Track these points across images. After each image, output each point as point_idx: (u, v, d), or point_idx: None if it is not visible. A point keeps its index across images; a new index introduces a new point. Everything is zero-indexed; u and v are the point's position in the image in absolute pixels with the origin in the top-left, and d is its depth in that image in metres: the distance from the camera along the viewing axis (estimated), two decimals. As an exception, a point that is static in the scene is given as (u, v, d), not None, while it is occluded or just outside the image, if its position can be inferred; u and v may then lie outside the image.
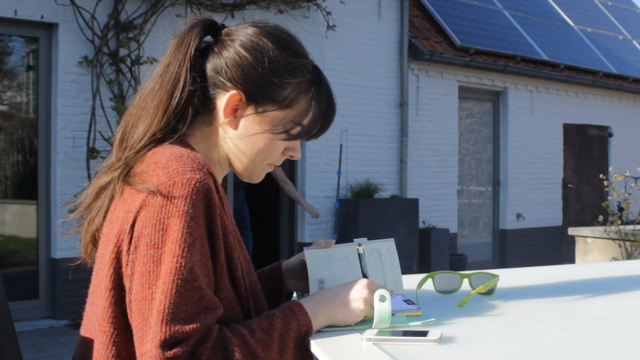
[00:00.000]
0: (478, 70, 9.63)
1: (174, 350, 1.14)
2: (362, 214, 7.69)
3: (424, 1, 9.76)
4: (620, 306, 1.56)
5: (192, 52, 1.35)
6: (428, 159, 9.15)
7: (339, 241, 1.53)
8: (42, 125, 6.30)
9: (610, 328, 1.36)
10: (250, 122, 1.37)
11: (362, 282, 1.37)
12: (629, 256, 5.85)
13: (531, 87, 10.47)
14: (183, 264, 1.17)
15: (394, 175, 8.73)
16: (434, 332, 1.24)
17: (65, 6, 6.24)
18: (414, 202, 8.28)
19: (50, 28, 6.33)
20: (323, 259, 1.51)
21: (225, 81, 1.36)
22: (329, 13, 7.91)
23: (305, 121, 1.40)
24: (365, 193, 8.00)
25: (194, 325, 1.16)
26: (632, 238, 5.84)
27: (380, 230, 7.77)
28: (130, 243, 1.23)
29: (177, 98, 1.34)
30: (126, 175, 1.31)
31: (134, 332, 1.22)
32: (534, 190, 10.56)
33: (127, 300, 1.24)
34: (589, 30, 12.32)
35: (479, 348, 1.21)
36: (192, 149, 1.35)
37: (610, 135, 11.75)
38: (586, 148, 11.39)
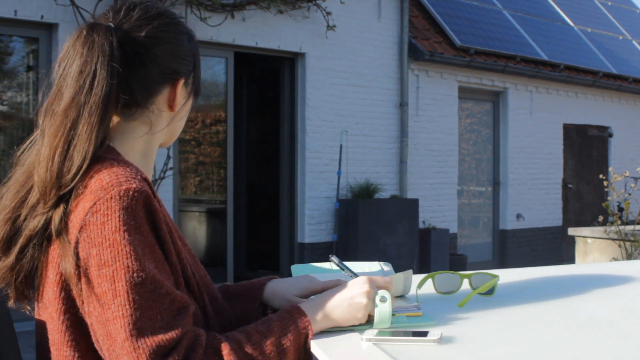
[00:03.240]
0: (478, 71, 9.63)
1: None
2: (362, 214, 7.69)
3: (424, 1, 9.76)
4: (621, 306, 1.56)
5: (117, 58, 1.26)
6: (428, 159, 9.15)
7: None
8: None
9: (611, 328, 1.36)
10: (183, 98, 1.40)
11: (362, 278, 1.33)
12: (629, 256, 5.85)
13: (531, 87, 10.47)
14: (144, 276, 1.14)
15: (394, 175, 8.73)
16: (434, 333, 1.24)
17: (65, 6, 6.24)
18: (414, 203, 8.28)
19: (50, 28, 6.33)
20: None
21: (167, 75, 1.35)
22: (329, 13, 7.90)
23: (199, 73, 1.45)
24: (365, 193, 8.00)
25: (177, 330, 1.14)
26: (632, 238, 5.84)
27: (380, 231, 7.77)
28: (78, 266, 1.17)
29: (111, 111, 1.26)
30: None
31: (106, 356, 1.17)
32: (534, 190, 10.56)
33: (89, 323, 1.19)
34: (589, 30, 12.31)
35: (479, 348, 1.21)
36: (118, 153, 1.30)
37: (610, 135, 11.75)
38: (586, 148, 11.39)
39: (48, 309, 1.24)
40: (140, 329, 1.12)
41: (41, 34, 6.33)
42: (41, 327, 1.28)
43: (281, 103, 8.10)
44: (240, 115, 8.38)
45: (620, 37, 12.96)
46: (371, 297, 1.30)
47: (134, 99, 1.31)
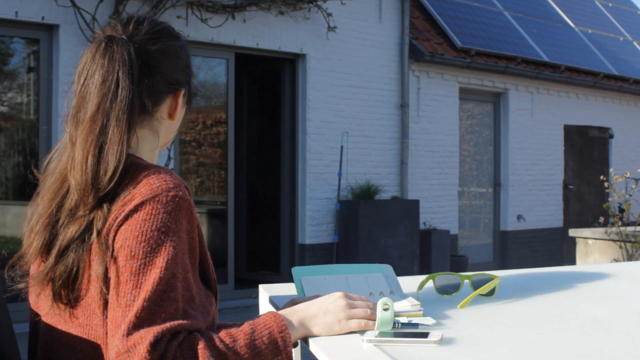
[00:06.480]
0: (479, 72, 9.63)
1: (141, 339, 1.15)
2: (363, 215, 7.69)
3: (425, 2, 9.76)
4: (621, 308, 1.56)
5: (136, 67, 1.34)
6: (429, 161, 9.15)
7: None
8: (42, 127, 6.30)
9: (611, 329, 1.36)
10: (182, 107, 1.48)
11: (338, 294, 1.34)
12: (630, 257, 5.85)
13: (532, 89, 10.47)
14: (165, 278, 1.19)
15: (395, 176, 8.73)
16: (435, 334, 1.24)
17: (66, 7, 6.25)
18: (415, 204, 8.27)
19: (51, 29, 6.34)
20: None
21: (171, 85, 1.42)
22: (329, 14, 7.91)
23: (192, 84, 1.54)
24: (365, 194, 8.00)
25: (166, 326, 1.17)
26: (632, 239, 5.83)
27: (380, 232, 7.76)
28: (111, 256, 1.23)
29: (135, 116, 1.34)
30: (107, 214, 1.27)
31: (107, 337, 1.22)
32: (535, 191, 10.55)
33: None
34: (590, 31, 12.31)
35: (480, 349, 1.21)
36: (142, 159, 1.37)
37: (611, 136, 11.74)
38: (587, 149, 11.39)
39: (91, 305, 1.27)
40: (138, 321, 1.16)
41: (42, 35, 6.33)
42: (81, 325, 1.29)
43: (282, 104, 8.10)
44: (241, 116, 8.39)
45: (621, 38, 12.96)
46: (348, 314, 1.30)
47: (145, 107, 1.39)
